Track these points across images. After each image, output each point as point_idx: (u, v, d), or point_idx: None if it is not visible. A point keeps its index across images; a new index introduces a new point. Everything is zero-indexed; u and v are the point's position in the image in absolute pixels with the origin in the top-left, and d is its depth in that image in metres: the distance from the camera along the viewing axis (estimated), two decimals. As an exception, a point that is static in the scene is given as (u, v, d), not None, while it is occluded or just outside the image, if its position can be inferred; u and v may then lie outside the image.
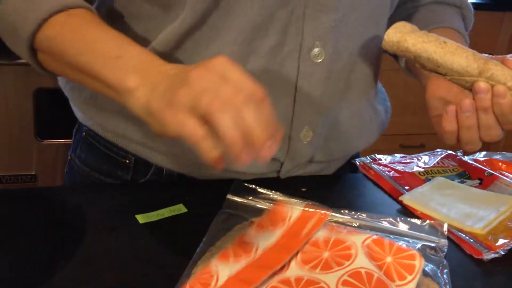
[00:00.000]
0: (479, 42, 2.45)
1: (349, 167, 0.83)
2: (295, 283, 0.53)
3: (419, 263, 0.55)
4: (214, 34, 0.64)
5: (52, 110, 1.88)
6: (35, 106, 1.95)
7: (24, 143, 1.99)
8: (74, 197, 0.69)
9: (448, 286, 0.55)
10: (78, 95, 0.74)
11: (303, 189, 0.73)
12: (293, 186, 0.72)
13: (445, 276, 0.56)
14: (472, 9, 0.85)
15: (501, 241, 0.64)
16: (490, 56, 0.65)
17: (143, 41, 0.65)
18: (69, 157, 0.83)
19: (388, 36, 0.64)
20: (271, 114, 0.49)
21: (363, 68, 0.73)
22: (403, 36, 0.63)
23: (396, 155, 0.84)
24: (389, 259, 0.56)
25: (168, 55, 0.65)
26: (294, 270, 0.55)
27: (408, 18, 0.81)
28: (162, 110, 0.50)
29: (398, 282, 0.53)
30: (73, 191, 0.74)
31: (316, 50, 0.66)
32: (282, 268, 0.55)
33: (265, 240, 0.59)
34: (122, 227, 0.63)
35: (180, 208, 0.66)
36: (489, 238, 0.64)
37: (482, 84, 0.61)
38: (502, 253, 0.62)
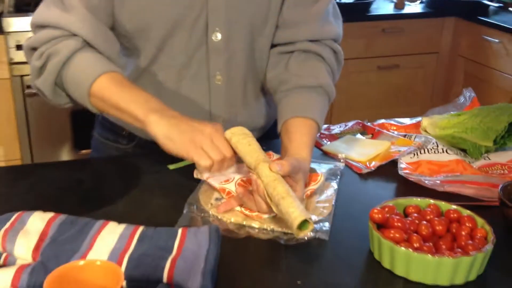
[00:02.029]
0: (426, 45, 2.98)
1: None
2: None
3: (321, 178, 1.03)
4: (160, 68, 1.12)
5: (86, 124, 2.38)
6: (72, 122, 2.45)
7: (64, 153, 2.50)
8: (135, 159, 1.18)
9: (337, 185, 1.04)
10: None
11: (264, 148, 1.21)
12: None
13: (337, 179, 1.06)
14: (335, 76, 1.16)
15: (373, 163, 1.13)
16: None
17: (123, 69, 1.11)
18: (93, 134, 1.31)
19: (225, 134, 0.96)
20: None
21: (253, 84, 1.19)
22: (231, 136, 0.96)
23: (325, 125, 1.33)
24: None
25: (139, 78, 1.13)
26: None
27: (279, 104, 1.12)
28: (184, 142, 0.92)
29: (307, 187, 1.01)
30: (133, 156, 1.22)
31: (217, 77, 1.13)
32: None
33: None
34: (161, 172, 1.11)
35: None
36: (367, 162, 1.13)
37: (252, 176, 0.91)
38: (373, 169, 1.12)
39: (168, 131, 0.93)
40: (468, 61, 2.91)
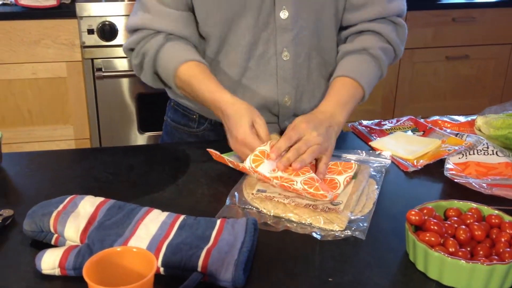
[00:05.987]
0: (499, 35, 2.86)
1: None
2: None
3: (355, 166, 1.04)
4: (230, 49, 1.19)
5: (150, 108, 2.47)
6: (138, 105, 2.54)
7: (129, 135, 2.60)
8: (185, 147, 1.23)
9: (380, 183, 1.04)
10: (171, 92, 1.31)
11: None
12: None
13: (382, 177, 1.06)
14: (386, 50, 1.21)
15: (421, 162, 1.12)
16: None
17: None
18: (165, 118, 1.40)
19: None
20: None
21: (317, 60, 1.24)
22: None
23: (375, 120, 1.33)
24: (339, 167, 1.05)
25: (213, 59, 1.21)
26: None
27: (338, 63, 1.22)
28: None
29: (344, 174, 1.02)
30: (184, 144, 1.28)
31: (284, 53, 1.19)
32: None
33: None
34: (210, 162, 1.15)
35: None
36: (414, 160, 1.12)
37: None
38: (419, 167, 1.10)
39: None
40: (543, 53, 2.78)
